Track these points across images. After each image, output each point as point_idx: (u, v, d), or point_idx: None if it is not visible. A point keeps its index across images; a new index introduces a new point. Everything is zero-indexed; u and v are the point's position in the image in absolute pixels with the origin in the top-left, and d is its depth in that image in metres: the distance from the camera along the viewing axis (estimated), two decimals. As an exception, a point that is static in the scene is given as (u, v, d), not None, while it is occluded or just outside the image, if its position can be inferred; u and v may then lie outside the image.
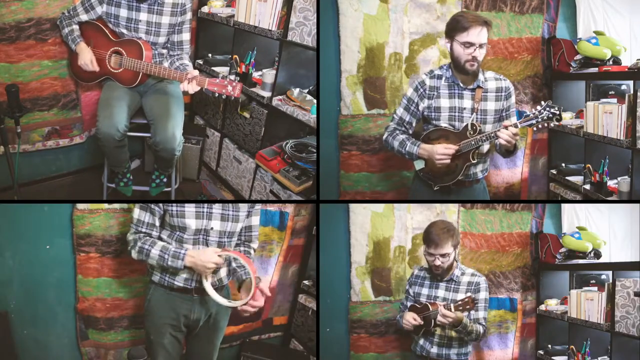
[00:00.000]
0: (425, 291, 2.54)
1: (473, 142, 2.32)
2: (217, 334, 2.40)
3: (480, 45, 2.30)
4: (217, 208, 2.20)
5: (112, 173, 3.08)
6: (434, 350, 2.51)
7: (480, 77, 2.39)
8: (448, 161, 2.35)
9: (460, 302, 2.38)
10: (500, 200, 3.11)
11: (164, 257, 2.13)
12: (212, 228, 2.19)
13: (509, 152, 2.39)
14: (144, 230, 2.20)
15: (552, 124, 2.20)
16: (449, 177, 2.42)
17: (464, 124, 2.38)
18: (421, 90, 2.43)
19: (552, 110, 2.17)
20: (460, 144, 2.34)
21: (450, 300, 2.45)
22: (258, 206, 2.35)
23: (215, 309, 2.31)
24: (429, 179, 2.48)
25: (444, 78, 2.42)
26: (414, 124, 2.50)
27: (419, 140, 2.45)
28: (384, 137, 2.53)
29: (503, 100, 2.42)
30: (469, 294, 2.43)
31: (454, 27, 2.32)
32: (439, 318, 2.36)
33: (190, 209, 2.17)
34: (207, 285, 2.18)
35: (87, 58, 2.80)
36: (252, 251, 2.39)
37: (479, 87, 2.39)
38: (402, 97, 2.51)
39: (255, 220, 2.35)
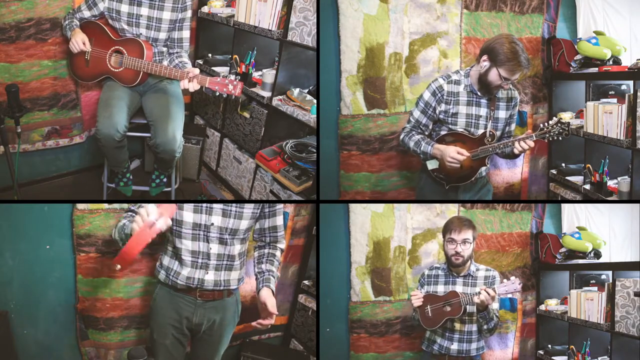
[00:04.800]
0: (441, 288, 2.55)
1: (491, 149, 2.44)
2: (221, 341, 2.36)
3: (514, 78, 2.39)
4: (218, 203, 2.18)
5: (112, 173, 3.08)
6: (455, 347, 2.52)
7: None
8: (458, 165, 2.43)
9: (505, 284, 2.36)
10: (500, 200, 3.11)
11: (124, 222, 2.13)
12: (212, 224, 2.17)
13: (516, 155, 2.50)
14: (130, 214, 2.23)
15: (560, 138, 2.35)
16: (464, 178, 2.53)
17: (479, 130, 2.49)
18: (439, 95, 2.50)
19: (562, 126, 2.33)
20: (479, 150, 2.45)
21: (469, 294, 2.44)
22: (280, 206, 2.32)
23: (220, 317, 2.28)
24: (442, 179, 2.56)
25: (462, 85, 2.49)
26: (430, 127, 2.57)
27: (434, 140, 2.53)
28: (401, 137, 2.60)
29: (511, 109, 2.55)
30: (514, 278, 2.40)
31: (500, 60, 2.34)
32: (482, 297, 2.33)
33: (189, 202, 2.16)
34: None
35: (78, 38, 2.78)
36: (278, 252, 2.36)
37: (495, 95, 2.50)
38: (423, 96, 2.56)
39: (280, 220, 2.32)
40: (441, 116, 2.51)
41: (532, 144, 2.37)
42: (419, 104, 2.55)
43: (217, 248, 2.19)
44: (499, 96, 2.51)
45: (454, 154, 2.41)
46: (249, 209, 2.23)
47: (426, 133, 2.57)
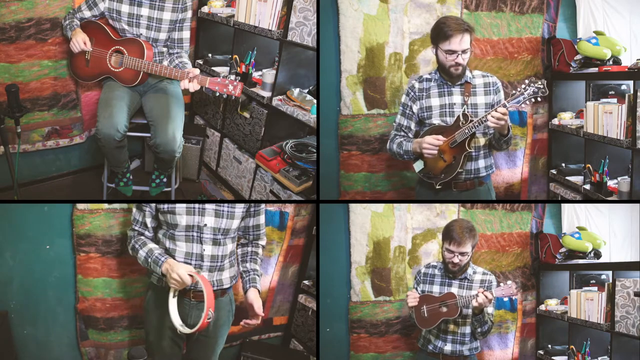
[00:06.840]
0: (436, 289, 2.54)
1: (467, 130, 2.37)
2: (217, 341, 2.36)
3: (464, 51, 2.37)
4: (210, 204, 2.18)
5: (112, 173, 3.08)
6: (448, 347, 2.53)
7: (468, 74, 2.48)
8: (435, 151, 2.41)
9: (504, 287, 2.36)
10: (500, 200, 3.11)
11: (147, 260, 2.14)
12: (205, 225, 2.17)
13: (502, 136, 2.41)
14: (137, 228, 2.22)
15: (538, 99, 2.27)
16: (449, 171, 2.46)
17: (455, 118, 2.44)
18: (412, 93, 2.54)
19: (536, 85, 2.25)
20: (455, 135, 2.39)
21: (466, 296, 2.44)
22: (263, 204, 2.35)
23: (214, 318, 2.25)
24: (430, 178, 2.52)
25: (433, 80, 2.51)
26: (412, 127, 2.56)
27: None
28: (387, 145, 2.61)
29: (492, 94, 2.49)
30: (511, 283, 2.39)
31: (437, 35, 2.40)
32: (480, 300, 2.32)
33: (181, 205, 2.16)
34: (171, 302, 2.12)
35: (79, 38, 2.78)
36: (260, 249, 2.39)
37: (467, 82, 2.47)
38: (401, 100, 2.58)
39: (262, 218, 2.36)
40: (420, 115, 2.52)
41: (504, 111, 2.26)
42: (399, 108, 2.58)
43: (211, 249, 2.20)
44: (474, 82, 2.48)
45: (430, 139, 2.40)
46: (240, 208, 2.25)
47: (410, 135, 2.56)
